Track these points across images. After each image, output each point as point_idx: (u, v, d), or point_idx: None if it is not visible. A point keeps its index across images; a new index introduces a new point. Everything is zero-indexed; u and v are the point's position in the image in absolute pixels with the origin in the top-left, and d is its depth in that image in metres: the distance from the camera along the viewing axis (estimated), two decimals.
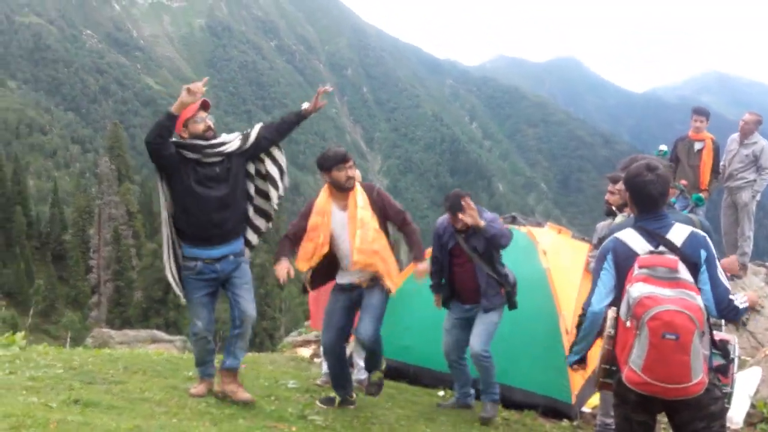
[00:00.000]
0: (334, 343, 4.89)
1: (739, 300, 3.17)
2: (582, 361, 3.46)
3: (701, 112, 8.58)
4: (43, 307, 43.87)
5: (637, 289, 2.96)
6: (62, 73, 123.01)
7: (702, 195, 7.62)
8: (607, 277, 3.23)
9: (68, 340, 18.47)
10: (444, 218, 5.26)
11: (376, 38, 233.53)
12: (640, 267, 3.04)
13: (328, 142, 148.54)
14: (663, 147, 7.99)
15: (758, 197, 8.70)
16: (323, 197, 4.76)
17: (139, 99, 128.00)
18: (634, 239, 3.21)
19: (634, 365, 2.95)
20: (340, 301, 4.90)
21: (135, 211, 50.19)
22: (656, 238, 3.17)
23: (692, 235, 3.18)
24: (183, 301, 4.70)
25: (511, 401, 5.70)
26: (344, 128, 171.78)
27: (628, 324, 3.00)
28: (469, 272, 5.14)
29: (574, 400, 5.66)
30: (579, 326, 3.38)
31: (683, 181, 7.80)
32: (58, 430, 3.46)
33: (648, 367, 2.90)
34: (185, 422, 4.09)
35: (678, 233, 3.18)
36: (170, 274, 4.56)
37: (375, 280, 4.79)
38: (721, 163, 8.67)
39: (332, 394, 5.00)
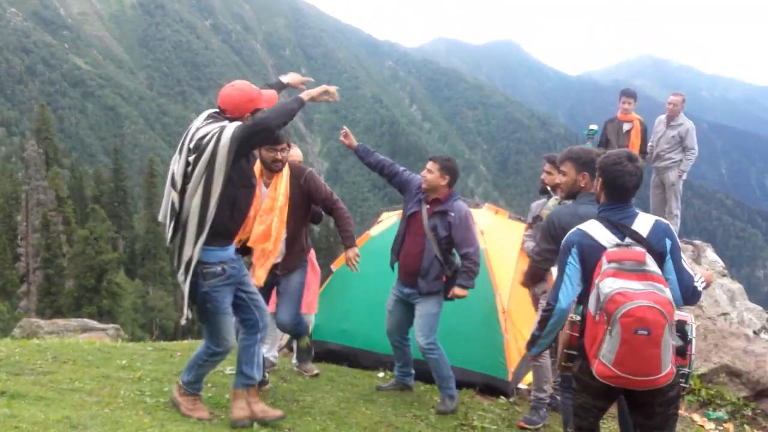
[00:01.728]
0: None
1: (699, 283, 3.25)
2: (543, 352, 3.51)
3: (629, 94, 8.82)
4: None
5: (607, 285, 2.97)
6: None
7: None
8: (573, 271, 3.22)
9: None
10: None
11: (314, 18, 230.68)
12: (609, 261, 3.04)
13: None
14: (593, 126, 8.19)
15: (684, 176, 9.03)
16: (257, 170, 4.56)
17: (67, 79, 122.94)
18: (599, 231, 3.20)
19: (605, 359, 2.99)
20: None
21: (65, 196, 48.36)
22: (621, 229, 3.18)
23: (656, 225, 3.20)
24: (184, 321, 4.03)
25: None
26: None
27: (597, 318, 3.01)
28: (418, 248, 5.00)
29: (510, 378, 5.78)
30: (544, 321, 3.34)
31: None
32: None
33: (620, 361, 2.95)
34: (117, 412, 3.99)
35: (643, 223, 3.20)
36: (188, 288, 3.81)
37: (292, 264, 4.89)
38: (649, 144, 8.94)
39: None
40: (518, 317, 6.06)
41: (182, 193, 3.76)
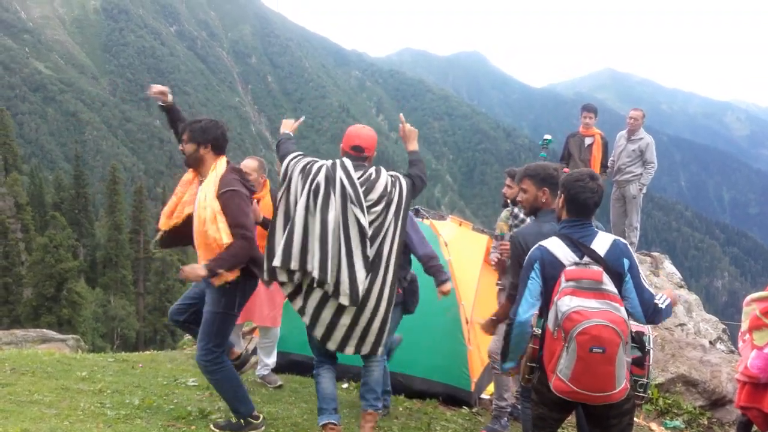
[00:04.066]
0: (174, 312, 4.53)
1: (662, 301, 3.32)
2: (517, 366, 3.53)
3: (590, 109, 9.00)
4: None
5: (565, 303, 3.05)
6: None
7: None
8: (534, 286, 3.29)
9: None
10: None
11: (281, 26, 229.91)
12: (567, 279, 3.12)
13: (231, 132, 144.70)
14: (547, 136, 8.37)
15: (644, 190, 9.24)
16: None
17: (27, 84, 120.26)
18: (559, 249, 3.28)
19: (561, 375, 3.06)
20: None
21: (24, 203, 47.27)
22: (581, 248, 3.26)
23: (614, 245, 3.29)
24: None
25: (412, 390, 5.80)
26: (248, 118, 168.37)
27: (555, 335, 3.09)
28: None
29: (473, 388, 5.84)
30: (507, 335, 3.42)
31: (566, 170, 8.17)
32: None
33: (575, 377, 3.02)
34: (77, 425, 3.95)
35: (601, 243, 3.28)
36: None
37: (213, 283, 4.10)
38: (611, 158, 9.13)
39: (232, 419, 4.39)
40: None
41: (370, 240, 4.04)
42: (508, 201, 5.43)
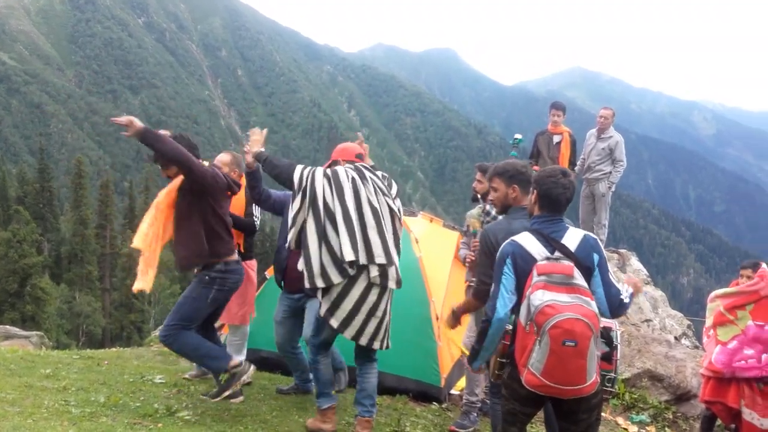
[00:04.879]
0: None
1: (626, 294, 3.37)
2: (486, 365, 3.55)
3: (558, 107, 9.08)
4: None
5: (537, 298, 3.07)
6: None
7: None
8: (509, 281, 3.31)
9: None
10: None
11: (251, 20, 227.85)
12: (539, 274, 3.15)
13: (200, 126, 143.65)
14: (518, 135, 8.43)
15: (613, 188, 9.34)
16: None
17: None
18: (531, 244, 3.31)
19: (533, 369, 3.09)
20: None
21: None
22: (552, 243, 3.29)
23: (585, 240, 3.32)
24: None
25: (383, 386, 5.78)
26: (218, 112, 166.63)
27: (528, 329, 3.10)
28: (298, 255, 4.79)
29: (443, 384, 5.85)
30: (483, 333, 3.40)
31: (535, 167, 8.24)
32: None
33: (547, 371, 3.05)
34: (41, 422, 3.87)
35: (572, 238, 3.32)
36: None
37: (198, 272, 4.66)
38: (581, 156, 9.22)
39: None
40: None
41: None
42: (479, 196, 5.45)
